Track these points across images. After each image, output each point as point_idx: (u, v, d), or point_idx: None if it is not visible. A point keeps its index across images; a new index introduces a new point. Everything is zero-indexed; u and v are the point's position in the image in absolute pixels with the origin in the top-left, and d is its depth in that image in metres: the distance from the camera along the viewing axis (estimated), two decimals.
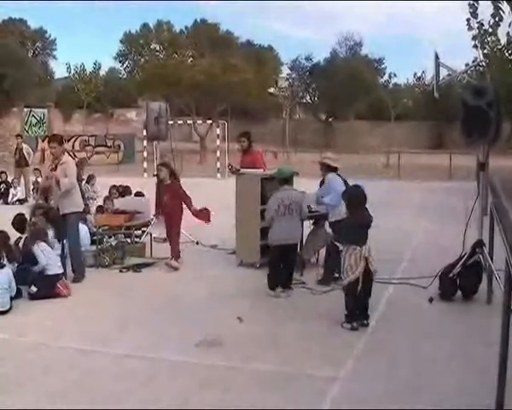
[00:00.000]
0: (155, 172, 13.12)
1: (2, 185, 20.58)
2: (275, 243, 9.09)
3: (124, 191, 14.68)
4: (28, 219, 10.40)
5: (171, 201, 10.76)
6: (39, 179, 19.07)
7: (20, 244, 9.66)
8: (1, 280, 8.13)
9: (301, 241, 10.47)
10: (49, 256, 8.95)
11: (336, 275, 9.69)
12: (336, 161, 9.99)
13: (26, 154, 20.87)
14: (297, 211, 9.06)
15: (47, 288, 8.78)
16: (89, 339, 7.20)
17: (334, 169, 9.85)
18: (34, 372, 6.25)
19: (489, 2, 16.73)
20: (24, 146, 21.19)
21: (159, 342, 7.13)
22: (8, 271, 8.39)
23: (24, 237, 9.75)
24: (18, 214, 10.48)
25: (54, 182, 9.69)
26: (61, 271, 9.09)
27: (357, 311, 7.67)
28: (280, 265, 9.14)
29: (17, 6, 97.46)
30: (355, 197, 7.84)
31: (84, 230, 10.58)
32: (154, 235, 12.17)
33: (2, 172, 21.25)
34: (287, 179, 9.38)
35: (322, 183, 10.83)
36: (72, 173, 9.76)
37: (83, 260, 10.11)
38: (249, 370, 6.37)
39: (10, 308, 8.23)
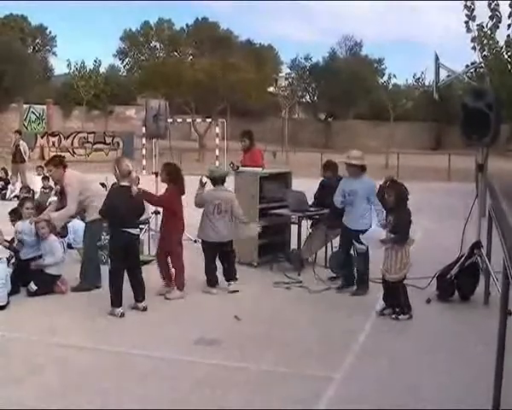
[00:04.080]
0: (154, 170, 13.09)
1: (1, 182, 20.58)
2: (205, 238, 9.43)
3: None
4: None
5: (166, 211, 9.55)
6: (38, 178, 19.09)
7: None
8: None
9: (299, 240, 10.51)
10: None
11: (334, 275, 9.74)
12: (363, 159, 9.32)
13: (22, 151, 20.87)
14: (227, 211, 9.22)
15: (46, 286, 8.77)
16: (86, 336, 7.20)
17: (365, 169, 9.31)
18: (31, 369, 6.24)
19: (488, 5, 16.84)
20: (21, 142, 21.18)
21: (157, 341, 7.14)
22: (4, 266, 8.38)
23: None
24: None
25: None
26: (61, 272, 9.10)
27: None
28: (214, 261, 9.40)
29: (19, 4, 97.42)
30: (404, 192, 8.10)
31: (82, 227, 10.54)
32: (152, 232, 12.15)
33: (3, 169, 21.26)
34: (220, 179, 9.45)
35: (321, 185, 10.82)
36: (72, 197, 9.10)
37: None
38: (247, 369, 6.38)
39: (8, 304, 8.23)
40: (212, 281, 9.28)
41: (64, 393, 5.74)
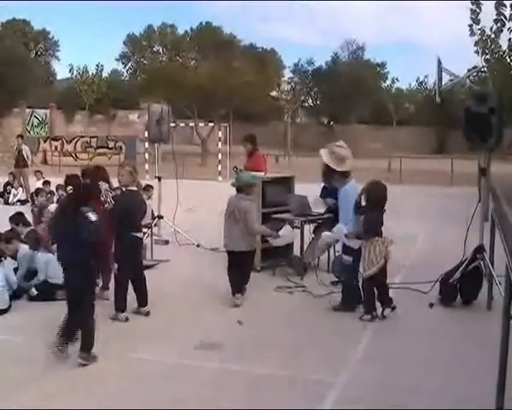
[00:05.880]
0: (157, 175, 13.12)
1: (9, 187, 20.60)
2: (224, 243, 9.15)
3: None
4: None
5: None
6: (40, 182, 19.13)
7: None
8: None
9: (302, 245, 10.50)
10: (51, 266, 8.83)
11: (336, 279, 9.72)
12: (348, 158, 8.97)
13: (25, 155, 20.87)
14: (239, 220, 8.74)
15: (47, 294, 8.73)
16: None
17: (348, 174, 8.91)
18: (30, 374, 6.25)
19: (492, 9, 16.79)
20: (24, 147, 21.18)
21: (158, 345, 7.14)
22: (4, 268, 8.38)
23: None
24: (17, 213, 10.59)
25: None
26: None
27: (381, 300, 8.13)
28: (232, 268, 8.98)
29: (21, 6, 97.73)
30: (379, 191, 8.16)
31: None
32: (155, 237, 12.18)
33: (11, 173, 21.27)
34: (245, 187, 8.98)
35: (325, 189, 10.77)
36: None
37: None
38: (248, 373, 6.37)
39: (10, 307, 8.24)
40: (232, 288, 8.91)
41: (64, 396, 5.75)
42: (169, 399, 5.73)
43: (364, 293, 8.12)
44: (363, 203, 8.16)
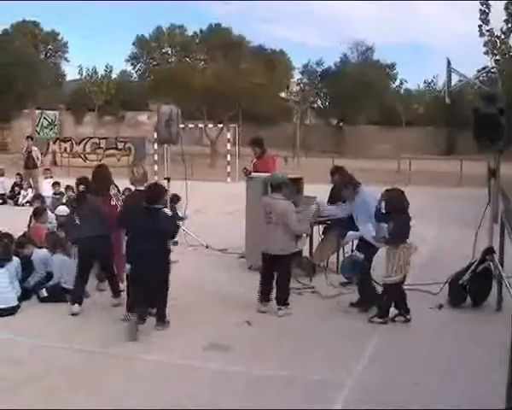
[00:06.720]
0: (166, 176, 13.13)
1: (17, 188, 20.67)
2: (260, 248, 8.78)
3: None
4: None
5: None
6: (47, 181, 19.23)
7: None
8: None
9: (311, 246, 10.49)
10: (66, 269, 8.90)
11: (345, 280, 9.70)
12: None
13: (34, 156, 20.88)
14: (278, 224, 8.33)
15: (57, 296, 8.75)
16: (96, 342, 7.20)
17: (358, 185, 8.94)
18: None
19: (502, 10, 16.77)
20: (33, 148, 21.18)
21: (166, 346, 7.16)
22: (9, 269, 8.39)
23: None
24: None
25: None
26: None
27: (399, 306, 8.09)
28: (265, 272, 8.63)
29: (30, 8, 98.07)
30: (404, 197, 8.15)
31: None
32: None
33: (18, 174, 21.34)
34: (279, 186, 8.56)
35: (332, 191, 10.74)
36: None
37: None
38: (256, 374, 6.38)
39: (19, 307, 8.26)
40: (259, 296, 8.65)
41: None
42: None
43: (384, 298, 8.07)
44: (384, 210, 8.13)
